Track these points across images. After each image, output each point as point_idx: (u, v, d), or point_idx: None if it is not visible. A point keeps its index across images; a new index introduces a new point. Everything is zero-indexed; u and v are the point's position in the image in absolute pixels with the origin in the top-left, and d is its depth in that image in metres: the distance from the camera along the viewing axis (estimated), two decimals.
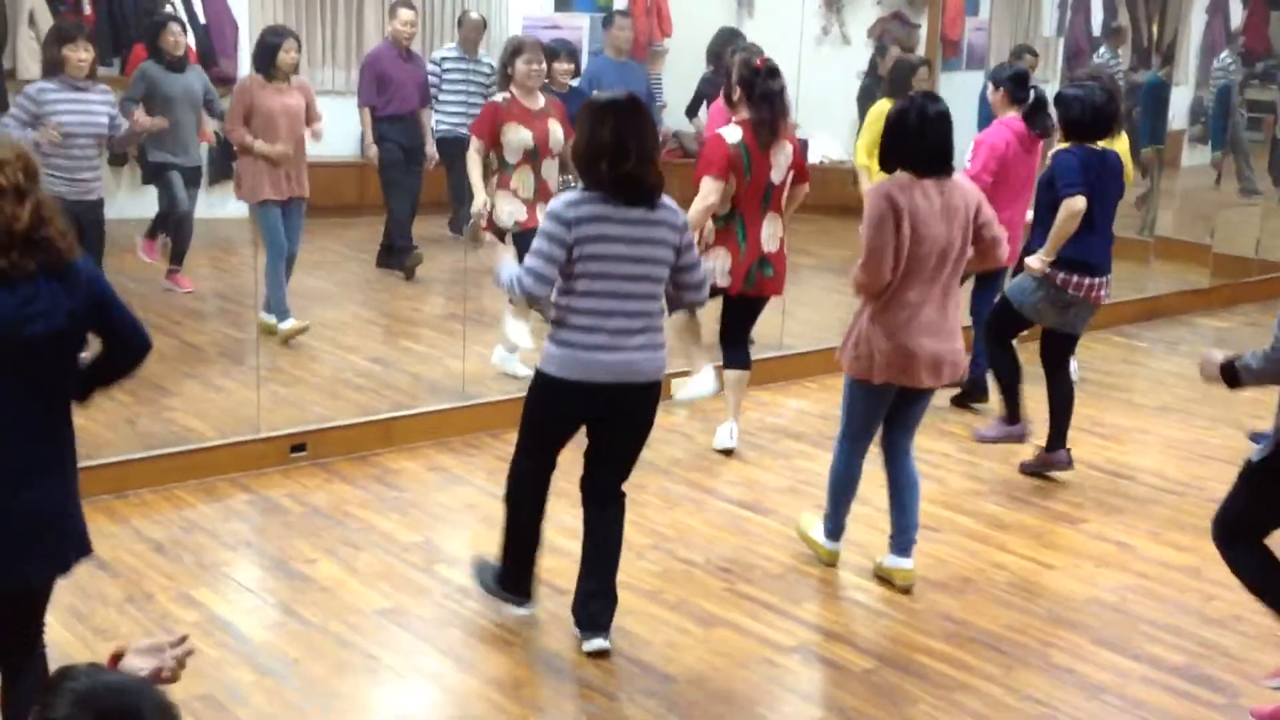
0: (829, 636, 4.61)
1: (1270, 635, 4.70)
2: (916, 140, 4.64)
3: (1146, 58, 11.47)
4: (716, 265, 5.90)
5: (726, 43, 9.40)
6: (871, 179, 7.71)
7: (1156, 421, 6.56)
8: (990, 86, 6.94)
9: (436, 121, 9.03)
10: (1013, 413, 6.43)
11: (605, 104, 4.18)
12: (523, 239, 6.65)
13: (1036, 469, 6.15)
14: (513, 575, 4.54)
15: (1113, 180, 5.93)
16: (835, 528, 5.08)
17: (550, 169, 6.68)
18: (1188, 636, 4.70)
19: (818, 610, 4.80)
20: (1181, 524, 5.70)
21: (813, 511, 5.29)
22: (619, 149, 4.06)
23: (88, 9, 8.73)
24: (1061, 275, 5.81)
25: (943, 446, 6.46)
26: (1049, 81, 11.09)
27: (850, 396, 4.88)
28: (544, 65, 6.74)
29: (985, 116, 9.07)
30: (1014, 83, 6.79)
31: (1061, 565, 5.25)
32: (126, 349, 3.34)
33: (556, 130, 6.64)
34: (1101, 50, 11.45)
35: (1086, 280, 5.82)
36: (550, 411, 4.34)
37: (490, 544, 5.21)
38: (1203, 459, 6.51)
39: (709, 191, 5.82)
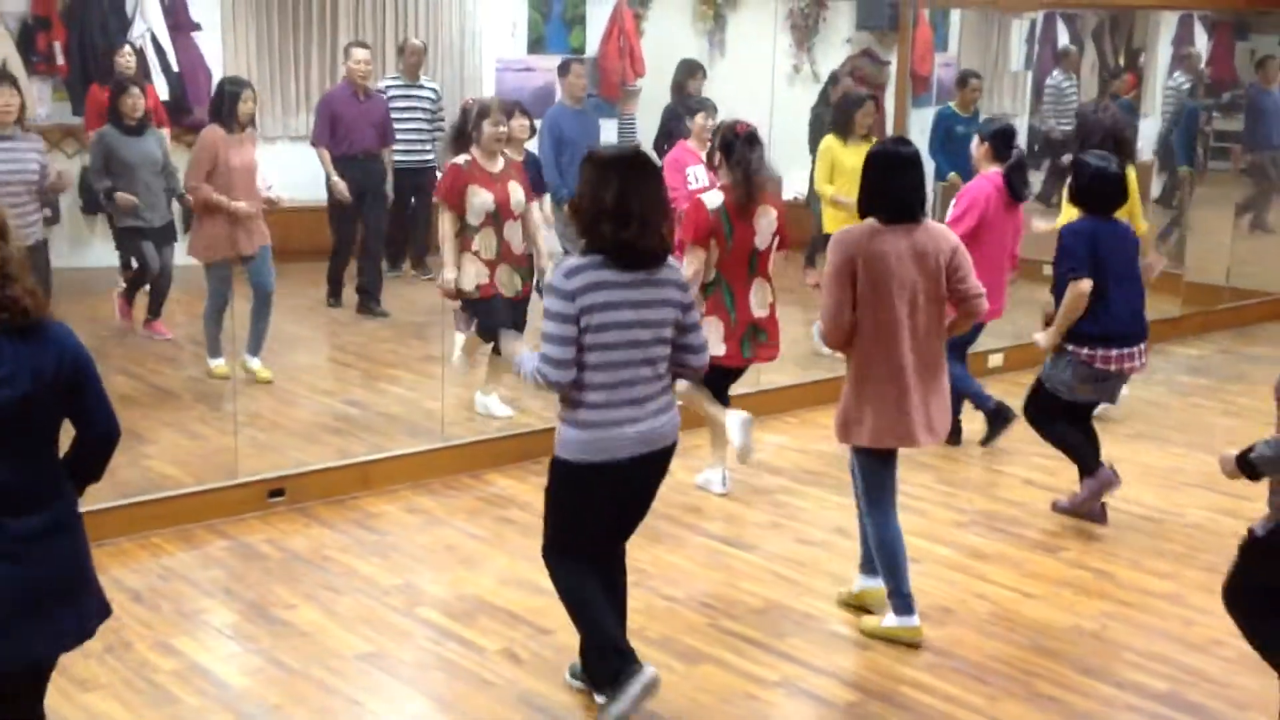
0: (813, 670, 4.60)
1: (1251, 659, 4.71)
2: (883, 188, 4.65)
3: (1106, 89, 11.59)
4: (710, 335, 5.69)
5: (690, 75, 9.53)
6: (831, 204, 7.98)
7: (1132, 449, 6.59)
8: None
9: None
10: (1088, 467, 5.98)
11: (609, 161, 3.91)
12: (474, 306, 6.68)
13: (1066, 508, 6.06)
14: (611, 668, 4.07)
15: (1126, 250, 5.80)
16: (904, 602, 4.77)
17: (513, 230, 6.64)
18: (1170, 663, 4.72)
19: (801, 644, 4.79)
20: (1160, 551, 5.72)
21: (869, 610, 4.98)
22: (622, 213, 3.80)
23: (60, 59, 8.73)
24: (1086, 351, 5.70)
25: (921, 478, 6.47)
26: (1018, 115, 11.23)
27: (857, 464, 4.84)
28: (508, 127, 6.76)
29: (935, 145, 9.22)
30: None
31: (1042, 594, 5.26)
32: (93, 433, 3.18)
33: (517, 192, 6.64)
34: (1055, 74, 11.56)
35: (1114, 352, 5.73)
36: (585, 501, 4.01)
37: (471, 585, 5.21)
38: (1180, 486, 6.54)
39: (691, 259, 5.74)
